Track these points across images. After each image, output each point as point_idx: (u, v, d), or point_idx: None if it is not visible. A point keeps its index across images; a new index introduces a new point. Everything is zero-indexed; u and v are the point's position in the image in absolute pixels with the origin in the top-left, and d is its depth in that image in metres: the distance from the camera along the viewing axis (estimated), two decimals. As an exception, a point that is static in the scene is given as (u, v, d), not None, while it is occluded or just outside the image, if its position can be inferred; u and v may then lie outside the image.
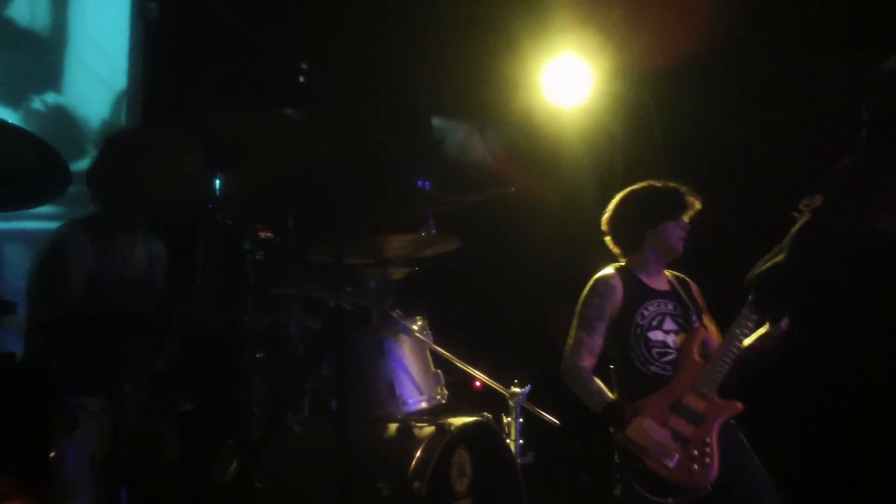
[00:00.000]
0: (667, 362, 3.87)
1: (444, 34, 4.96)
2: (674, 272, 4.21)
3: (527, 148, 5.30)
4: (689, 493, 3.62)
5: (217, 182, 3.79)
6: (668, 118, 5.17)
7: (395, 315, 3.90)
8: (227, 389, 3.52)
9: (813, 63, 4.90)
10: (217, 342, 3.57)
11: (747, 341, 3.85)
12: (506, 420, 4.05)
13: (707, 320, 4.10)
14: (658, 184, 4.09)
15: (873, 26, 4.75)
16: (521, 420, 4.06)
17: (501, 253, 5.46)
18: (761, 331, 3.87)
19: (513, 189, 4.35)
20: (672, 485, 3.63)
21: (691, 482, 3.62)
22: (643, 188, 4.10)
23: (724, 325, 3.95)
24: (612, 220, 4.14)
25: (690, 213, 4.05)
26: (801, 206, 3.99)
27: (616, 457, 3.82)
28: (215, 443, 3.68)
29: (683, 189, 4.06)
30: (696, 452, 3.66)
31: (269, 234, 3.52)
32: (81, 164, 3.75)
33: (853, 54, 4.79)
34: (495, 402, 4.10)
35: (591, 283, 4.04)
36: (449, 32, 4.94)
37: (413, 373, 3.87)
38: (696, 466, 3.64)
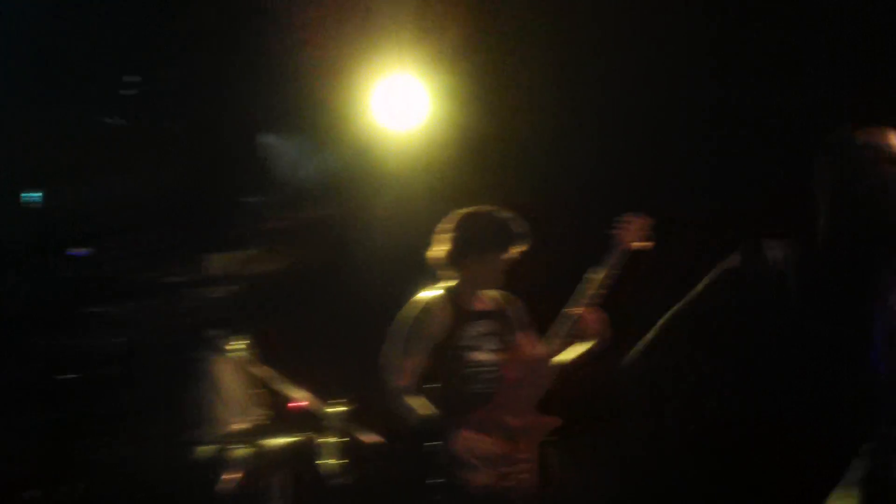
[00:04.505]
0: (488, 381, 3.91)
1: (275, 52, 4.92)
2: (499, 291, 4.21)
3: (357, 166, 5.30)
4: None
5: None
6: (501, 140, 5.24)
7: (212, 335, 3.83)
8: (22, 412, 3.38)
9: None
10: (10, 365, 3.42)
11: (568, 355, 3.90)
12: (329, 440, 4.02)
13: (529, 338, 4.08)
14: (491, 211, 4.00)
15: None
16: (343, 440, 4.03)
17: (332, 271, 5.42)
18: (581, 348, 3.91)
19: (334, 214, 4.32)
20: (483, 500, 3.67)
21: (504, 498, 3.67)
22: (473, 214, 4.02)
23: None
24: (440, 239, 4.06)
25: (518, 246, 3.96)
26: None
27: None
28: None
29: (515, 221, 3.97)
30: (510, 469, 3.71)
31: (80, 252, 3.41)
32: None
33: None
34: (318, 422, 4.07)
35: (408, 304, 3.99)
36: (279, 51, 4.90)
37: (230, 394, 3.82)
38: (509, 483, 3.70)
